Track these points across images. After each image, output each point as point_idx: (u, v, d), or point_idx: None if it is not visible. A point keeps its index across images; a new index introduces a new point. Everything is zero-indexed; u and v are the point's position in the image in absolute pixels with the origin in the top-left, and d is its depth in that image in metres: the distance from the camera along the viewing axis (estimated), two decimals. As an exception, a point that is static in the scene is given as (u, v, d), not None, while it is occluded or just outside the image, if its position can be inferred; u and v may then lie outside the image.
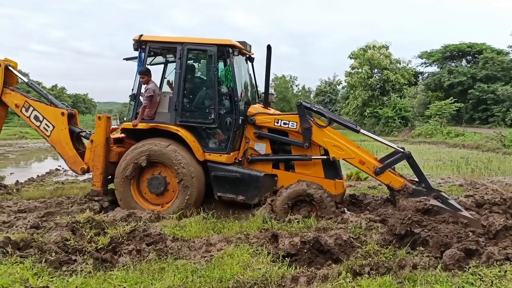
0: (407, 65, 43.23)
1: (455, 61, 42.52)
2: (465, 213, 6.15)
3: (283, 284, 4.12)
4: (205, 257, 4.80)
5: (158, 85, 7.77)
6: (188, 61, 7.21)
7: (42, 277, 4.15)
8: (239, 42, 7.32)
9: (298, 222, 6.06)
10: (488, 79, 37.18)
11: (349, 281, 4.10)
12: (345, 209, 7.22)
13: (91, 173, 7.58)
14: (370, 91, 40.88)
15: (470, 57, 42.01)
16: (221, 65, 7.25)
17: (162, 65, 8.34)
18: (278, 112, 7.65)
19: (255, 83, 8.48)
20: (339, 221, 6.02)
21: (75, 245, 4.97)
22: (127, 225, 5.71)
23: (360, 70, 41.58)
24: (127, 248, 4.90)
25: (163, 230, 5.44)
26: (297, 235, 5.31)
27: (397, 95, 39.63)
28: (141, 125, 7.18)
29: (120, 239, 5.14)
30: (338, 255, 4.89)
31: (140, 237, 5.17)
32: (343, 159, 7.08)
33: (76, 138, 7.67)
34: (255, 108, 7.52)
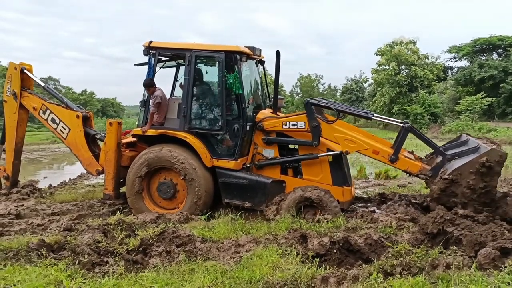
0: (436, 60, 43.26)
1: (485, 54, 42.40)
2: (483, 146, 6.56)
3: (313, 285, 4.33)
4: (234, 258, 5.29)
5: (171, 88, 8.48)
6: (196, 68, 7.78)
7: (76, 278, 4.50)
8: (247, 47, 7.89)
9: (327, 222, 6.50)
10: (521, 72, 36.28)
11: (380, 282, 4.26)
12: (375, 208, 7.10)
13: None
14: (397, 87, 41.00)
15: (502, 50, 41.76)
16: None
17: (174, 68, 8.92)
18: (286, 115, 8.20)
19: (266, 87, 9.02)
20: (369, 221, 6.54)
21: (107, 247, 5.37)
22: (156, 226, 6.21)
23: (387, 67, 41.68)
24: (157, 250, 5.38)
25: (192, 231, 6.01)
26: (326, 235, 5.67)
27: (425, 91, 39.68)
28: (150, 132, 7.79)
29: (150, 240, 5.60)
30: (368, 255, 5.14)
31: (169, 238, 5.72)
32: (357, 151, 7.47)
33: (91, 140, 8.36)
34: (264, 113, 8.07)
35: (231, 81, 7.35)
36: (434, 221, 5.54)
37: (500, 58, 40.69)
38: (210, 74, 8.17)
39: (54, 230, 6.74)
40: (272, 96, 8.39)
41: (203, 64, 8.14)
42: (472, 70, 39.40)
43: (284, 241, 5.62)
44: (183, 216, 7.09)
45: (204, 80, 8.15)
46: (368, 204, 8.40)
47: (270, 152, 7.73)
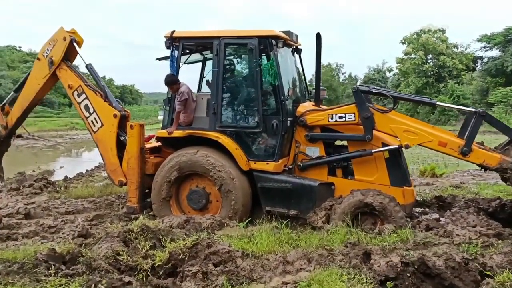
0: (465, 49, 41.93)
1: None
2: None
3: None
4: (287, 283, 4.41)
5: (197, 86, 7.70)
6: (227, 58, 6.98)
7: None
8: (283, 32, 7.02)
9: (389, 233, 5.55)
10: (556, 64, 34.45)
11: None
12: (438, 216, 6.18)
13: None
14: (424, 78, 39.52)
15: None
16: (264, 59, 6.92)
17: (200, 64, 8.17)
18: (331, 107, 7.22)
19: (304, 78, 8.13)
20: (441, 234, 5.55)
21: (128, 261, 4.66)
22: (186, 234, 5.44)
23: (413, 56, 40.19)
24: (191, 270, 4.52)
25: (230, 243, 5.14)
26: (392, 252, 4.83)
27: (454, 81, 37.63)
28: (177, 133, 6.97)
29: (181, 255, 4.79)
30: (451, 281, 4.30)
31: (205, 255, 4.83)
32: (419, 144, 6.45)
33: (118, 142, 7.47)
34: (305, 106, 7.16)
35: (267, 70, 6.52)
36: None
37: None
38: (242, 63, 7.36)
39: (67, 235, 6.14)
40: (313, 88, 7.46)
41: (234, 53, 7.30)
42: (505, 60, 37.85)
43: (341, 258, 4.73)
44: (216, 221, 6.25)
45: (235, 71, 7.34)
46: (427, 210, 7.40)
47: (315, 151, 6.81)
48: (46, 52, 7.65)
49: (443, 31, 40.55)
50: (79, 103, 7.53)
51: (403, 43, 42.32)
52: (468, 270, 4.33)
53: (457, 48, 41.13)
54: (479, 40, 42.46)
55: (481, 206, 6.90)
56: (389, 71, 54.86)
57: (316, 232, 5.91)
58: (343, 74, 62.25)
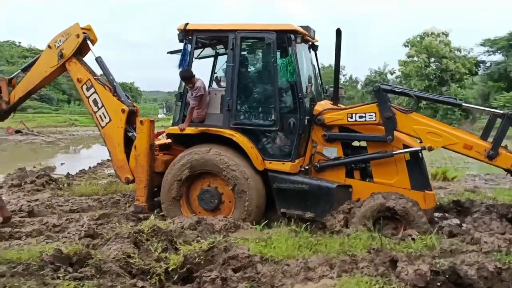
0: (469, 53, 41.84)
1: None
2: None
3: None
4: None
5: (208, 82, 7.40)
6: (242, 52, 6.71)
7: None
8: (301, 27, 6.74)
9: (413, 239, 5.31)
10: (560, 69, 34.30)
11: None
12: (459, 222, 5.94)
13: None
14: (426, 81, 39.34)
15: None
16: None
17: (212, 59, 7.89)
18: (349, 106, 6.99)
19: (319, 76, 7.89)
20: (468, 241, 5.29)
21: (140, 264, 4.44)
22: (198, 236, 5.22)
23: (416, 59, 40.03)
24: (209, 275, 4.27)
25: (250, 249, 4.87)
26: (418, 259, 4.56)
27: (457, 85, 37.41)
28: (189, 130, 6.68)
29: (197, 258, 4.57)
30: None
31: (223, 259, 4.60)
32: (443, 146, 6.21)
33: (126, 138, 7.21)
34: (322, 105, 6.90)
35: (285, 66, 6.26)
36: None
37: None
38: (259, 59, 7.10)
39: (74, 235, 5.91)
40: (330, 86, 7.25)
41: (250, 47, 7.04)
42: (508, 64, 37.70)
43: (366, 265, 4.45)
44: (230, 223, 5.97)
45: (252, 66, 7.09)
46: (446, 215, 7.14)
47: (332, 151, 6.54)
48: (58, 43, 7.41)
49: (447, 35, 40.51)
50: (88, 97, 7.30)
51: (406, 46, 42.41)
52: (502, 280, 4.10)
53: (460, 51, 41.04)
54: (482, 44, 42.37)
55: (499, 211, 6.68)
56: (391, 74, 54.82)
57: (335, 236, 5.63)
58: (344, 76, 62.23)
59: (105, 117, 7.20)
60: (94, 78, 7.33)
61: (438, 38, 40.18)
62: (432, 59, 40.87)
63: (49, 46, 7.57)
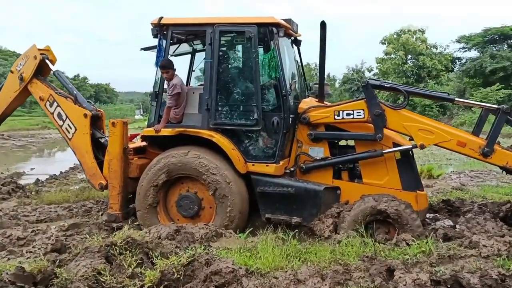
0: (445, 50, 42.39)
1: (496, 45, 40.88)
2: None
3: None
4: None
5: (185, 81, 7.00)
6: (222, 47, 6.32)
7: None
8: (284, 20, 6.37)
9: (408, 244, 4.99)
10: (535, 64, 35.64)
11: None
12: (457, 226, 5.68)
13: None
14: (404, 78, 39.75)
15: None
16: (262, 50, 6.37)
17: (189, 56, 7.49)
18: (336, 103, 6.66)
19: (303, 73, 7.51)
20: (466, 245, 4.96)
21: (112, 282, 4.04)
22: (176, 247, 4.82)
23: (393, 56, 40.31)
24: None
25: (234, 260, 4.43)
26: (415, 266, 4.33)
27: (434, 81, 37.83)
28: (166, 131, 6.26)
29: (175, 274, 4.16)
30: None
31: (205, 275, 4.15)
32: (436, 144, 5.89)
33: (97, 144, 7.07)
34: (308, 102, 6.55)
35: (267, 61, 5.87)
36: None
37: (509, 50, 39.56)
38: (240, 54, 6.67)
39: (39, 249, 5.39)
40: (314, 83, 6.88)
41: (230, 42, 6.61)
42: (483, 60, 38.29)
43: (360, 275, 4.13)
44: (211, 231, 5.52)
45: (232, 62, 6.66)
46: (438, 215, 6.87)
47: (319, 151, 6.18)
48: (19, 67, 7.64)
49: (423, 32, 40.76)
50: (52, 113, 7.33)
51: (383, 43, 42.29)
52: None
53: (436, 48, 41.46)
54: (458, 41, 43.02)
55: (490, 210, 6.46)
56: (369, 71, 55.11)
57: (326, 244, 5.25)
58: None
59: (71, 128, 7.11)
60: (56, 93, 7.35)
61: (415, 35, 40.43)
62: (409, 56, 41.22)
63: (11, 71, 7.75)
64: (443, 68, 40.65)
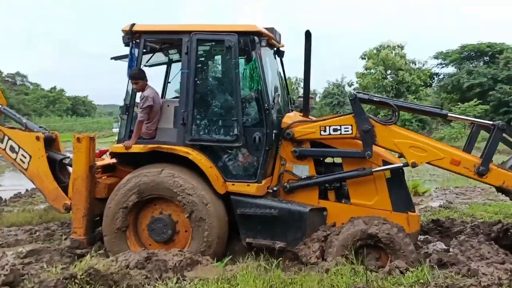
0: (423, 65, 43.01)
1: (473, 61, 42.50)
2: None
3: None
4: None
5: (160, 93, 6.56)
6: (199, 57, 5.90)
7: None
8: (266, 29, 5.98)
9: (401, 272, 4.61)
10: (510, 80, 36.51)
11: None
12: (450, 249, 5.30)
13: None
14: (384, 92, 40.09)
15: (488, 58, 41.79)
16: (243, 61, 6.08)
17: (164, 66, 7.02)
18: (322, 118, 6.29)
19: (286, 85, 7.15)
20: (465, 274, 4.55)
21: None
22: (146, 277, 4.46)
23: (373, 71, 40.79)
24: None
25: None
26: None
27: (413, 96, 38.28)
28: (137, 147, 5.74)
29: None
30: None
31: None
32: (428, 162, 5.53)
33: (59, 166, 6.53)
34: (291, 117, 6.16)
35: (248, 73, 5.50)
36: None
37: (486, 66, 40.53)
38: (218, 64, 6.29)
39: None
40: (299, 96, 6.51)
41: (208, 52, 6.20)
42: (461, 76, 39.24)
43: (356, 311, 3.73)
44: (186, 258, 5.03)
45: (210, 73, 6.29)
46: (429, 237, 6.53)
47: (303, 169, 5.76)
48: None
49: (402, 47, 41.34)
50: (5, 149, 6.76)
51: (363, 58, 42.74)
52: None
53: (415, 64, 42.06)
54: (436, 57, 44.00)
55: (482, 231, 6.16)
56: (349, 86, 55.60)
57: (313, 272, 4.76)
58: (302, 88, 62.64)
59: (25, 157, 6.57)
60: (5, 127, 6.92)
61: (394, 50, 40.96)
62: (389, 71, 41.73)
63: None
64: (422, 83, 41.26)
